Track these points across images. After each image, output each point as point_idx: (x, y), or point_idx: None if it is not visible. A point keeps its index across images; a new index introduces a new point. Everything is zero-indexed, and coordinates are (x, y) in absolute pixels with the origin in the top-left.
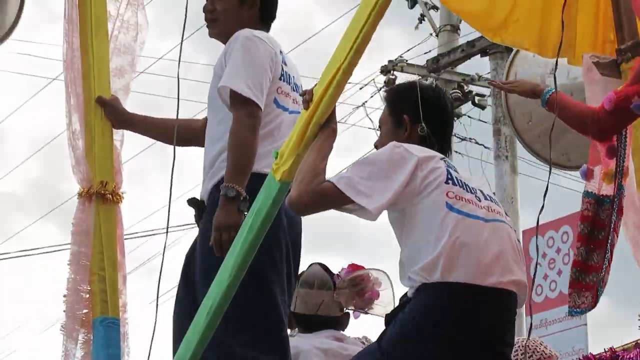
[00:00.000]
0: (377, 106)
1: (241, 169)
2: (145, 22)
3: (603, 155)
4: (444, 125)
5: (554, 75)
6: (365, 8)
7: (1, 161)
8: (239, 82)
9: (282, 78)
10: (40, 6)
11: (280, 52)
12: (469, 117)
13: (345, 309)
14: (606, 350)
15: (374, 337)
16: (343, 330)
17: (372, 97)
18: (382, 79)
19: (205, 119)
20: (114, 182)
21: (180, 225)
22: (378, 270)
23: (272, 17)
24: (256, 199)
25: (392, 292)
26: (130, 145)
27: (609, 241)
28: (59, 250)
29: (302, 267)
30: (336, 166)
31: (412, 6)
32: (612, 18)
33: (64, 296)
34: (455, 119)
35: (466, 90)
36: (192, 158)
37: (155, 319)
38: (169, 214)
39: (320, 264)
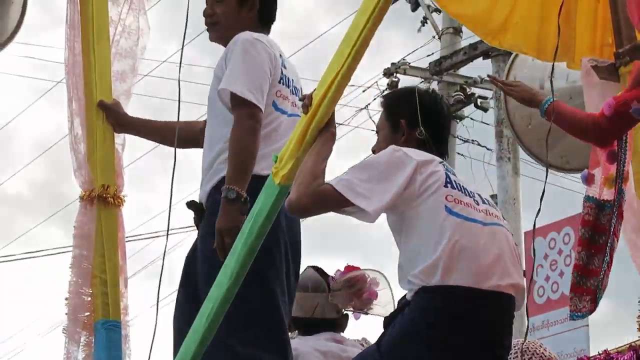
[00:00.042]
0: (380, 109)
1: (242, 171)
2: (147, 27)
3: (604, 160)
4: (441, 130)
5: (551, 80)
6: (363, 13)
7: (7, 163)
8: (240, 85)
9: (282, 81)
10: (45, 10)
11: (280, 55)
12: (471, 119)
13: (343, 310)
14: (600, 352)
15: (373, 339)
16: (342, 332)
17: (374, 99)
18: (384, 81)
19: (206, 121)
20: (116, 185)
21: (183, 227)
22: (374, 270)
23: (271, 19)
24: (256, 202)
25: (390, 292)
26: (135, 147)
27: (609, 245)
28: (63, 252)
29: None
30: (339, 168)
31: (414, 9)
32: (610, 22)
33: (66, 299)
34: (458, 121)
35: (468, 93)
36: (196, 160)
37: (156, 322)
38: (169, 218)
39: (314, 267)
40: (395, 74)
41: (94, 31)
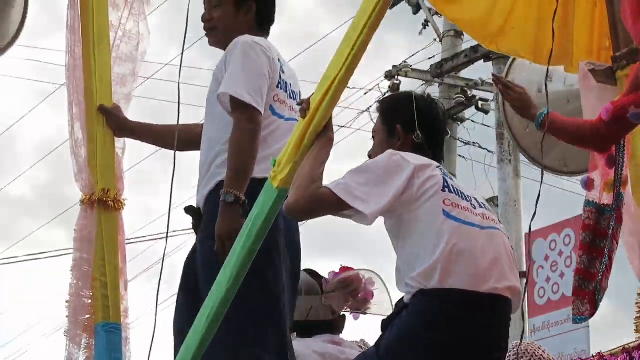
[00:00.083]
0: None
1: (241, 174)
2: (147, 31)
3: (603, 165)
4: (437, 134)
5: (545, 84)
6: (361, 18)
7: (10, 165)
8: (239, 88)
9: (280, 86)
10: (50, 13)
11: (279, 59)
12: (472, 121)
13: (340, 311)
14: (594, 355)
15: (372, 340)
16: (340, 333)
17: (376, 102)
18: (386, 84)
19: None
20: (116, 189)
21: (185, 230)
22: (368, 270)
23: (269, 21)
24: (255, 205)
25: (386, 291)
26: (138, 149)
27: (607, 247)
28: (66, 254)
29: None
30: (341, 170)
31: (416, 12)
32: (607, 26)
33: (67, 301)
34: (459, 123)
35: (469, 95)
36: (198, 162)
37: (155, 323)
38: (168, 221)
39: (307, 269)
40: (396, 77)
41: (95, 36)
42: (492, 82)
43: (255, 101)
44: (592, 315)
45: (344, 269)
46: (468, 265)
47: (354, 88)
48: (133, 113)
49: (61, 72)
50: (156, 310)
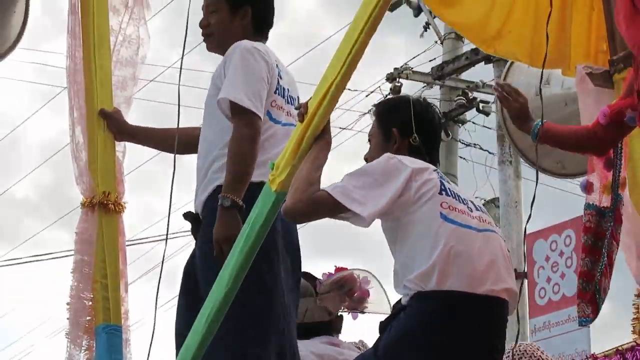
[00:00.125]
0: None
1: (239, 179)
2: (147, 36)
3: (601, 168)
4: (433, 137)
5: (540, 87)
6: (358, 23)
7: (14, 167)
8: (239, 93)
9: (277, 91)
10: (52, 17)
11: (277, 65)
12: (473, 123)
13: (336, 312)
14: (588, 356)
15: (370, 341)
16: (338, 333)
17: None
18: (388, 86)
19: None
20: (117, 192)
21: (187, 231)
22: (362, 270)
23: (267, 26)
24: (253, 208)
25: (382, 289)
26: (141, 151)
27: (605, 248)
28: (69, 255)
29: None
30: (342, 171)
31: (417, 15)
32: (605, 29)
33: (68, 303)
34: (460, 125)
35: (470, 97)
36: None
37: (154, 325)
38: (168, 224)
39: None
40: (398, 79)
41: (95, 40)
42: (493, 84)
43: (254, 106)
44: (595, 316)
45: (338, 269)
46: (465, 267)
47: (356, 90)
48: (135, 115)
49: (64, 75)
50: (155, 312)
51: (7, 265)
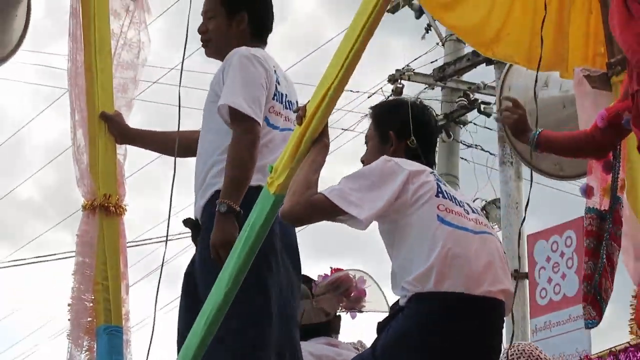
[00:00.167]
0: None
1: (238, 184)
2: (148, 39)
3: (600, 171)
4: (429, 139)
5: (535, 90)
6: (356, 26)
7: (19, 168)
8: (238, 99)
9: (275, 97)
10: (57, 19)
11: (275, 71)
12: (474, 124)
13: (333, 313)
14: (582, 357)
15: (369, 341)
16: (337, 334)
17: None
18: (389, 87)
19: None
20: (117, 194)
21: (189, 232)
22: (357, 270)
23: (266, 30)
24: (252, 211)
25: (379, 289)
26: (147, 152)
27: (603, 250)
28: (73, 256)
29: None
30: (344, 172)
31: (418, 16)
32: (602, 32)
33: (69, 305)
34: (461, 126)
35: (472, 98)
36: None
37: (153, 326)
38: (168, 226)
39: None
40: (399, 80)
41: (96, 44)
42: (494, 85)
43: (254, 113)
44: (600, 318)
45: (333, 270)
46: (463, 269)
47: (358, 91)
48: (138, 117)
49: (66, 77)
50: (155, 313)
51: (11, 266)
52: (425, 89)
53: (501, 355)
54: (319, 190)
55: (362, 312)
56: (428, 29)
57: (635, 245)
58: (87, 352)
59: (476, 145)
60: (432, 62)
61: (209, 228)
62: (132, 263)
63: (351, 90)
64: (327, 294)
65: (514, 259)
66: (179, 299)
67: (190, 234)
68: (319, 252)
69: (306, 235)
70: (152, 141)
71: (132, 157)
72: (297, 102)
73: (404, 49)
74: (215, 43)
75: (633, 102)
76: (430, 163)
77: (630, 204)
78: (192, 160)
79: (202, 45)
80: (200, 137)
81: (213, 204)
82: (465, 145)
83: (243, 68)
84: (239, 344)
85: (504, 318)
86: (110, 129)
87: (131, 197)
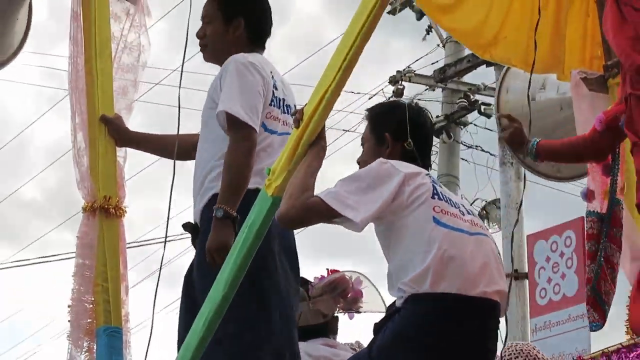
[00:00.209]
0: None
1: (234, 190)
2: (148, 43)
3: (600, 174)
4: (425, 141)
5: (528, 94)
6: (352, 31)
7: (22, 169)
8: (235, 106)
9: (272, 103)
10: (60, 21)
11: (272, 76)
12: (475, 125)
13: (330, 314)
14: (574, 358)
15: (367, 341)
16: (335, 334)
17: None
18: (390, 88)
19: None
20: (117, 196)
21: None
22: (353, 271)
23: (263, 35)
24: (249, 213)
25: (375, 289)
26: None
27: (601, 252)
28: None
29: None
30: (345, 173)
31: (419, 18)
32: (599, 35)
33: (69, 306)
34: (462, 127)
35: (472, 100)
36: None
37: (152, 327)
38: (167, 229)
39: None
40: (400, 82)
41: (97, 47)
42: (494, 86)
43: (251, 120)
44: (604, 319)
45: (330, 272)
46: (459, 270)
47: (359, 93)
48: (140, 118)
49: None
50: (153, 314)
51: (15, 266)
52: (425, 90)
53: (498, 355)
54: (315, 193)
55: (359, 312)
56: (429, 30)
57: (631, 246)
58: (87, 353)
59: (476, 146)
60: (432, 64)
61: (207, 231)
62: (134, 264)
63: (352, 92)
64: (323, 295)
65: (514, 259)
66: (179, 301)
67: (190, 237)
68: (318, 253)
69: (306, 236)
70: (151, 144)
71: (136, 157)
72: (295, 105)
73: (404, 51)
74: (212, 48)
75: (626, 105)
76: (426, 165)
77: (627, 206)
78: (193, 162)
79: (200, 50)
80: (199, 142)
81: (211, 207)
82: (466, 146)
83: (240, 75)
84: (237, 347)
85: (499, 319)
86: (110, 132)
87: (134, 198)
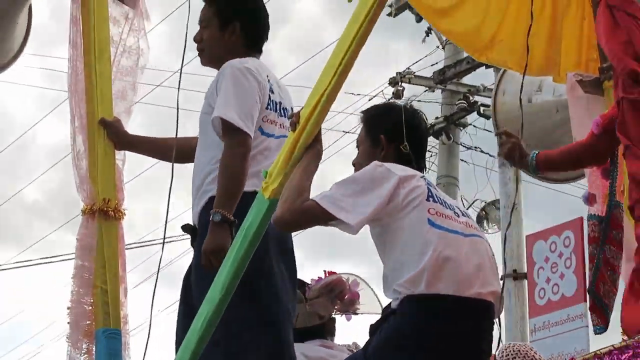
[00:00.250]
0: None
1: (230, 195)
2: (147, 46)
3: (600, 178)
4: (420, 143)
5: (520, 97)
6: (347, 36)
7: (24, 171)
8: (230, 112)
9: (269, 107)
10: (62, 24)
11: (269, 80)
12: (474, 126)
13: (327, 316)
14: (568, 359)
15: (363, 343)
16: (333, 335)
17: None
18: (390, 90)
19: None
20: (116, 199)
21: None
22: (350, 274)
23: (259, 40)
24: (247, 216)
25: (372, 291)
26: None
27: (600, 255)
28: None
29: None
30: (344, 173)
31: (419, 20)
32: (595, 38)
33: (68, 308)
34: (461, 128)
35: (472, 101)
36: None
37: (150, 328)
38: (165, 231)
39: None
40: (400, 83)
41: (96, 51)
42: (493, 87)
43: (246, 126)
44: (606, 321)
45: (327, 274)
46: (454, 271)
47: (359, 94)
48: (142, 119)
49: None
50: (151, 315)
51: (17, 267)
52: (425, 91)
53: (496, 355)
54: (311, 197)
55: (356, 314)
56: (428, 32)
57: (627, 247)
58: (86, 355)
59: (476, 147)
60: (432, 65)
61: (204, 234)
62: (136, 265)
63: (352, 93)
64: (320, 297)
65: (513, 259)
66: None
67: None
68: (318, 254)
69: (306, 238)
70: (150, 147)
71: (138, 158)
72: (292, 108)
73: (404, 52)
74: (209, 52)
75: (618, 109)
76: (421, 167)
77: (625, 207)
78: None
79: (198, 54)
80: (197, 146)
81: (208, 210)
82: (465, 147)
83: (235, 81)
84: (234, 349)
85: (494, 320)
86: (109, 135)
87: (137, 200)
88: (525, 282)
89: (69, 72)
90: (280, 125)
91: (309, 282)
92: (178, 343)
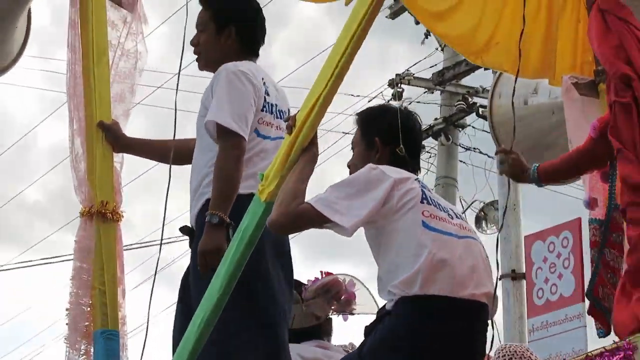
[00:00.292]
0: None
1: (225, 197)
2: (145, 50)
3: (599, 181)
4: (414, 145)
5: (512, 101)
6: (343, 39)
7: (25, 172)
8: (225, 116)
9: (265, 109)
10: (63, 26)
11: (264, 83)
12: (473, 127)
13: (324, 316)
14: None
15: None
16: (329, 336)
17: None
18: (389, 92)
19: None
20: (114, 201)
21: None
22: (345, 274)
23: (255, 44)
24: (243, 218)
25: (368, 291)
26: None
27: (599, 258)
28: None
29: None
30: (343, 174)
31: (418, 22)
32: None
33: (66, 309)
34: (460, 129)
35: (470, 102)
36: None
37: (147, 328)
38: (162, 232)
39: None
40: (399, 85)
41: (94, 55)
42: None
43: (240, 129)
44: (606, 328)
45: (323, 275)
46: (448, 273)
47: (358, 96)
48: (141, 121)
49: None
50: (148, 316)
51: (19, 267)
52: (424, 93)
53: (494, 357)
54: (306, 200)
55: (352, 314)
56: (427, 34)
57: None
58: (84, 356)
59: (474, 148)
60: (431, 67)
61: (201, 236)
62: (136, 266)
63: (352, 95)
64: (316, 298)
65: (511, 260)
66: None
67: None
68: (317, 255)
69: (304, 239)
70: (148, 149)
71: (138, 159)
72: (288, 110)
73: (403, 54)
74: (205, 56)
75: (611, 113)
76: (416, 169)
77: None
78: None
79: (196, 59)
80: (195, 149)
81: (204, 212)
82: (464, 148)
83: (230, 84)
84: (232, 349)
85: (487, 321)
86: (107, 138)
87: (135, 200)
88: (524, 282)
89: (67, 76)
90: (277, 127)
91: (305, 282)
92: (175, 341)
